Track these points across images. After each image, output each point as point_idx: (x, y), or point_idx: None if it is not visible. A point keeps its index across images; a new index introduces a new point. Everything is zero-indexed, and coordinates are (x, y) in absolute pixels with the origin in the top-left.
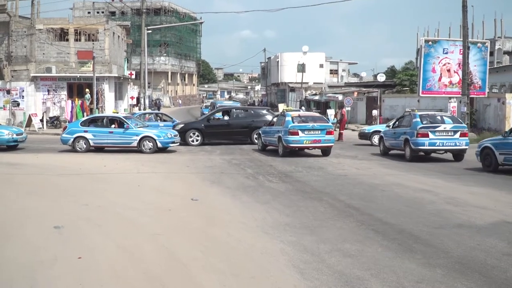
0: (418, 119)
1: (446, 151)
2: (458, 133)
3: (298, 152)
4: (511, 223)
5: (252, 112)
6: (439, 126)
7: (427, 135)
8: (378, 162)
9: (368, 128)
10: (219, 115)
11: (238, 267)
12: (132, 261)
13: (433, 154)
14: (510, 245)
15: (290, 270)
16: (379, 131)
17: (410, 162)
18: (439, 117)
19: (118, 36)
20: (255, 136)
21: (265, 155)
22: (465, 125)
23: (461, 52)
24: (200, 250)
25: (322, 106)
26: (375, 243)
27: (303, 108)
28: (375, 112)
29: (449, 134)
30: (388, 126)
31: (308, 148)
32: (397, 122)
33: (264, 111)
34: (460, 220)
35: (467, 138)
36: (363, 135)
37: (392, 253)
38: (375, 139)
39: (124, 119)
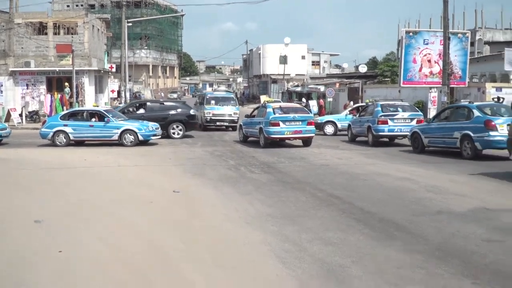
0: (379, 108)
1: (403, 136)
2: (415, 120)
3: (279, 143)
4: (490, 209)
5: (168, 105)
6: (397, 114)
7: (386, 122)
8: (360, 152)
9: (320, 118)
10: (133, 108)
11: (221, 257)
12: (114, 253)
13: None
14: (489, 231)
15: (272, 259)
16: (332, 121)
17: (372, 147)
18: (398, 107)
19: (98, 29)
20: (172, 129)
21: (247, 146)
22: (421, 113)
23: (442, 43)
24: (183, 241)
25: (304, 98)
26: (357, 231)
27: (303, 100)
28: (350, 103)
29: (406, 121)
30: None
31: (289, 139)
32: (362, 112)
33: (179, 104)
34: (439, 207)
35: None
36: (316, 125)
37: (373, 241)
38: (327, 129)
39: (105, 113)
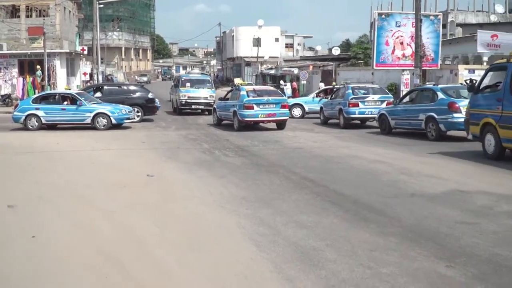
0: (350, 91)
1: (374, 118)
2: (385, 103)
3: (254, 126)
4: (464, 191)
5: (125, 88)
6: (368, 97)
7: (357, 105)
8: (334, 135)
9: (289, 101)
10: (90, 91)
11: (195, 241)
12: (87, 238)
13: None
14: (463, 213)
15: (247, 243)
16: (299, 104)
17: (343, 129)
18: (369, 89)
19: (70, 11)
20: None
21: (221, 129)
22: (391, 96)
23: (414, 25)
24: (156, 225)
25: (278, 80)
26: (331, 214)
27: (282, 82)
28: (321, 85)
29: (377, 103)
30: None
31: (263, 122)
32: (334, 94)
33: (138, 87)
34: (413, 189)
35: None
36: None
37: (347, 223)
38: (294, 111)
39: (77, 96)
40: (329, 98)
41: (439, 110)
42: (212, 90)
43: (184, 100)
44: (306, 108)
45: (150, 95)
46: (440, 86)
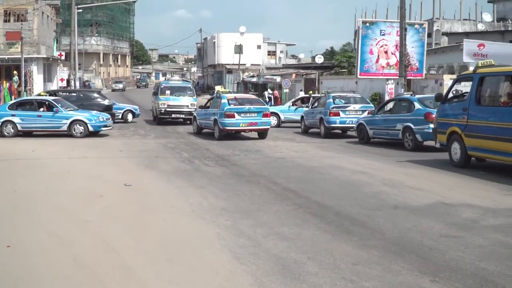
0: (331, 100)
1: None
2: (366, 112)
3: (235, 135)
4: (448, 204)
5: (82, 95)
6: (349, 106)
7: (338, 114)
8: (316, 145)
9: None
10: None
11: (173, 253)
12: (63, 249)
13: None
14: (447, 226)
15: (226, 255)
16: (275, 113)
17: (324, 138)
18: (350, 98)
19: (48, 16)
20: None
21: (201, 138)
22: (373, 105)
23: (399, 34)
24: (133, 236)
25: (260, 88)
26: (312, 226)
27: (269, 90)
28: (301, 94)
29: (358, 113)
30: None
31: (244, 131)
32: (315, 103)
33: (95, 94)
34: (396, 201)
35: None
36: None
37: (329, 236)
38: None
39: (54, 102)
40: (309, 107)
41: (416, 120)
42: (193, 98)
43: (163, 109)
44: (282, 117)
45: (107, 102)
46: (417, 96)
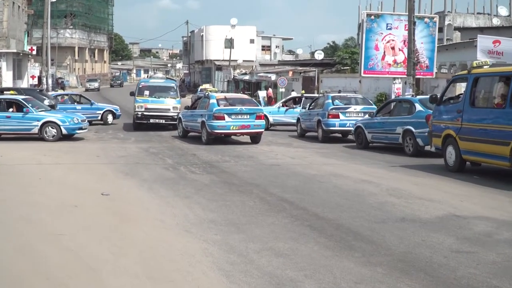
0: (330, 101)
1: None
2: (368, 114)
3: (224, 139)
4: (460, 216)
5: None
6: (350, 107)
7: (337, 116)
8: (315, 151)
9: None
10: None
11: (155, 270)
12: (33, 265)
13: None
14: (459, 241)
15: (215, 272)
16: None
17: (321, 142)
18: (351, 99)
19: (19, 7)
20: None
21: (187, 142)
22: (375, 107)
23: (407, 28)
24: (111, 251)
25: (253, 87)
26: (311, 240)
27: (269, 89)
28: (293, 93)
29: (359, 115)
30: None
31: (235, 134)
32: (312, 104)
33: (37, 94)
34: (403, 213)
35: None
36: None
37: (329, 251)
38: None
39: (24, 102)
40: (302, 108)
41: (417, 123)
42: (177, 100)
43: (140, 113)
44: (271, 119)
45: (47, 102)
46: (418, 97)
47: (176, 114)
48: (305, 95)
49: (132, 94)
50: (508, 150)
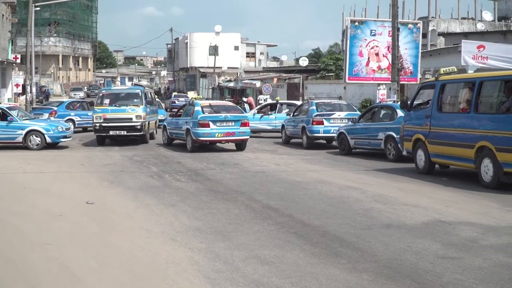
0: (314, 107)
1: None
2: (350, 121)
3: (209, 147)
4: (446, 222)
5: None
6: (334, 114)
7: (322, 123)
8: (301, 157)
9: None
10: None
11: (141, 278)
12: (19, 274)
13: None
14: (445, 247)
15: (200, 281)
16: None
17: (306, 149)
18: (335, 105)
19: (2, 15)
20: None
21: (172, 150)
22: (359, 113)
23: (391, 34)
24: (97, 260)
25: (238, 94)
26: (296, 247)
27: (261, 97)
28: (261, 97)
29: (343, 121)
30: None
31: (220, 141)
32: (296, 111)
33: None
34: (389, 219)
35: None
36: None
37: (315, 258)
38: None
39: (7, 110)
40: (291, 115)
41: (398, 129)
42: (141, 108)
43: (98, 124)
44: None
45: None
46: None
47: (141, 123)
48: (280, 101)
49: (92, 104)
50: (473, 153)
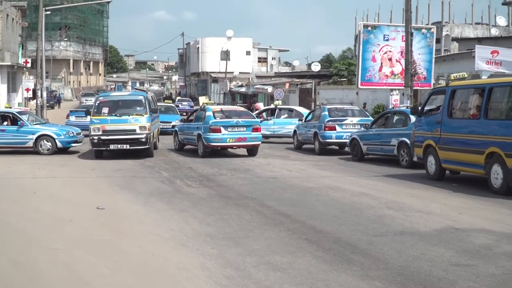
0: (326, 113)
1: None
2: (363, 126)
3: (221, 152)
4: (460, 229)
5: None
6: (346, 119)
7: (334, 128)
8: (313, 163)
9: None
10: None
11: (151, 284)
12: (29, 279)
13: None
14: (458, 254)
15: (211, 287)
16: None
17: (319, 155)
18: (347, 111)
19: (13, 19)
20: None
21: (183, 155)
22: (372, 119)
23: (404, 39)
24: (107, 266)
25: (250, 99)
26: (308, 254)
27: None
28: (259, 105)
29: (356, 127)
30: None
31: (232, 147)
32: (309, 116)
33: None
34: (402, 226)
35: None
36: None
37: (327, 265)
38: None
39: (18, 115)
40: (303, 120)
41: None
42: (146, 118)
43: (96, 137)
44: None
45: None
46: None
47: (146, 136)
48: (279, 106)
49: (88, 113)
50: (483, 159)
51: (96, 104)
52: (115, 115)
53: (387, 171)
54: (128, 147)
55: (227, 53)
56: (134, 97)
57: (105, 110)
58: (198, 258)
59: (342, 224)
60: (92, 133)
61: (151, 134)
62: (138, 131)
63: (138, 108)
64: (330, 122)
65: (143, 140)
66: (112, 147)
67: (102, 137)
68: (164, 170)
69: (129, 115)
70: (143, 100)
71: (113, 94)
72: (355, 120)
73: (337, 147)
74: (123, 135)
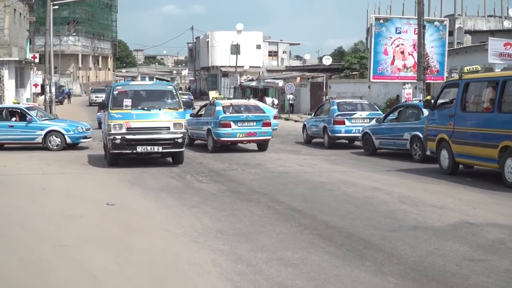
0: (336, 107)
1: None
2: (374, 120)
3: (231, 147)
4: (473, 224)
5: None
6: (355, 113)
7: (343, 123)
8: (324, 158)
9: None
10: None
11: (162, 280)
12: (39, 276)
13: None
14: (472, 249)
15: (223, 283)
16: None
17: (328, 149)
18: (356, 105)
19: (20, 13)
20: None
21: (193, 150)
22: (381, 112)
23: (416, 32)
24: (117, 262)
25: (260, 93)
26: (320, 249)
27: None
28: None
29: (365, 121)
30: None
31: (242, 142)
32: (318, 110)
33: None
34: (415, 221)
35: None
36: None
37: (340, 261)
38: None
39: (27, 111)
40: (312, 114)
41: None
42: (179, 113)
43: (119, 137)
44: None
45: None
46: None
47: (182, 136)
48: (276, 103)
49: (103, 106)
50: (497, 153)
51: (114, 95)
52: (141, 108)
53: (399, 165)
54: (160, 149)
55: (237, 47)
56: (162, 87)
57: (127, 102)
58: (209, 254)
59: (355, 219)
60: (112, 131)
61: (185, 132)
62: (172, 129)
63: (169, 101)
64: (339, 117)
65: (180, 141)
66: (139, 149)
67: (127, 137)
68: (174, 166)
69: (159, 109)
70: (173, 90)
71: (133, 83)
72: (364, 114)
73: (346, 141)
74: (154, 134)
